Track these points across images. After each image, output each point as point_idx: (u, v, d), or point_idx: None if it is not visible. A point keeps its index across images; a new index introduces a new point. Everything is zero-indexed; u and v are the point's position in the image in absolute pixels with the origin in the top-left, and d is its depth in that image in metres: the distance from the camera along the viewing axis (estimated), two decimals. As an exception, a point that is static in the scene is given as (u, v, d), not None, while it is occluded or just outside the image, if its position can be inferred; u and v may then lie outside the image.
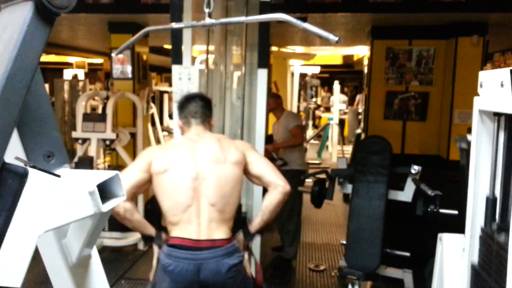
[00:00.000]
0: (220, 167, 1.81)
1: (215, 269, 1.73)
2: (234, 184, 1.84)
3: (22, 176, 0.63)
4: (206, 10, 1.90)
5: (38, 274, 3.57)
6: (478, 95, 1.39)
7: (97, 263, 0.93)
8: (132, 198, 1.89)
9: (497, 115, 1.31)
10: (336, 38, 1.58)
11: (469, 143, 1.52)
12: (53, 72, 11.09)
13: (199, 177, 1.78)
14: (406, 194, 3.20)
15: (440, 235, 1.69)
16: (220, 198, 1.78)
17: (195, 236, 1.75)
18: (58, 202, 0.70)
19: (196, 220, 1.75)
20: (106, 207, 0.75)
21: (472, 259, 1.37)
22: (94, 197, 0.72)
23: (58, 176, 0.70)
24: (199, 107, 2.06)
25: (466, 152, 1.60)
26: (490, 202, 1.32)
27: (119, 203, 0.79)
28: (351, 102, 12.88)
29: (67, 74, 10.19)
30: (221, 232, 1.78)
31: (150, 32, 2.02)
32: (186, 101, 2.07)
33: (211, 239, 1.75)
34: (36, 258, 0.92)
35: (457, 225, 1.64)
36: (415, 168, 3.13)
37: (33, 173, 0.65)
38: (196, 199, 1.76)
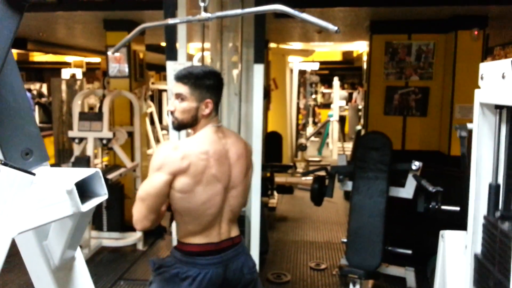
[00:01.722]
0: (247, 178, 1.76)
1: (239, 268, 1.72)
2: (248, 191, 1.84)
3: (-9, 174, 0.58)
4: (202, 4, 1.85)
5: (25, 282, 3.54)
6: (479, 88, 1.35)
7: (81, 266, 0.89)
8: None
9: (499, 107, 1.28)
10: (335, 28, 1.54)
11: (469, 131, 1.49)
12: (51, 72, 11.07)
13: (229, 186, 1.68)
14: (407, 191, 3.16)
15: (442, 232, 1.65)
16: (241, 205, 1.77)
17: (217, 239, 1.69)
18: (34, 201, 0.66)
19: (217, 225, 1.70)
20: (86, 207, 0.70)
21: (475, 250, 1.33)
22: (72, 196, 0.68)
23: (33, 174, 0.65)
24: (222, 92, 1.77)
25: (466, 140, 1.58)
26: (493, 192, 1.29)
27: (101, 200, 0.75)
28: (349, 98, 12.82)
29: (65, 73, 10.15)
30: (235, 229, 1.77)
31: (145, 29, 1.96)
32: (218, 81, 1.70)
33: (230, 237, 1.73)
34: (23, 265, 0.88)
35: (459, 222, 1.61)
36: (415, 164, 3.09)
37: (4, 171, 0.61)
38: (222, 208, 1.69)
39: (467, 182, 1.36)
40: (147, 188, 1.56)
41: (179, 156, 1.54)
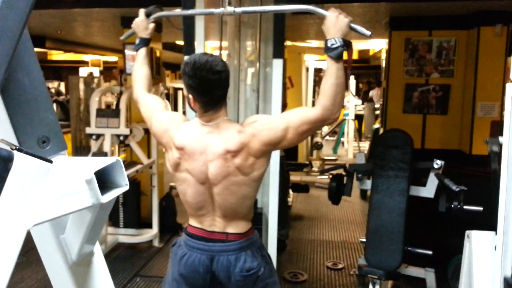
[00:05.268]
0: (230, 179, 1.62)
1: (226, 265, 1.66)
2: (247, 190, 1.67)
3: (6, 160, 0.55)
4: (226, -3, 1.82)
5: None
6: (503, 85, 1.28)
7: (100, 261, 0.85)
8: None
9: (534, 101, 1.20)
10: (369, 33, 1.52)
11: (501, 146, 1.38)
12: (69, 70, 11.19)
13: (208, 183, 1.64)
14: (428, 190, 3.07)
15: (468, 232, 1.57)
16: (232, 205, 1.67)
17: (209, 229, 1.70)
18: (50, 191, 0.62)
19: (210, 216, 1.69)
20: (106, 198, 0.66)
21: (504, 272, 1.25)
22: (91, 186, 0.64)
23: (50, 161, 0.62)
24: (213, 90, 1.59)
25: (498, 156, 1.43)
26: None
27: (121, 191, 0.71)
28: (365, 97, 12.61)
29: (83, 72, 10.25)
30: (235, 227, 1.69)
31: (164, 17, 1.93)
32: (195, 73, 1.56)
33: (224, 232, 1.69)
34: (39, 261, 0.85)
35: (482, 222, 1.53)
36: (437, 163, 3.00)
37: (19, 158, 0.57)
38: (209, 201, 1.67)
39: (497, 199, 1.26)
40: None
41: (173, 133, 1.68)
